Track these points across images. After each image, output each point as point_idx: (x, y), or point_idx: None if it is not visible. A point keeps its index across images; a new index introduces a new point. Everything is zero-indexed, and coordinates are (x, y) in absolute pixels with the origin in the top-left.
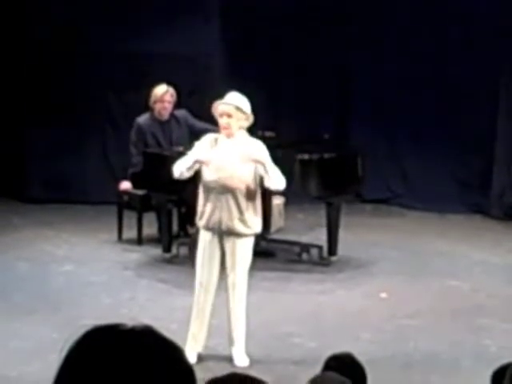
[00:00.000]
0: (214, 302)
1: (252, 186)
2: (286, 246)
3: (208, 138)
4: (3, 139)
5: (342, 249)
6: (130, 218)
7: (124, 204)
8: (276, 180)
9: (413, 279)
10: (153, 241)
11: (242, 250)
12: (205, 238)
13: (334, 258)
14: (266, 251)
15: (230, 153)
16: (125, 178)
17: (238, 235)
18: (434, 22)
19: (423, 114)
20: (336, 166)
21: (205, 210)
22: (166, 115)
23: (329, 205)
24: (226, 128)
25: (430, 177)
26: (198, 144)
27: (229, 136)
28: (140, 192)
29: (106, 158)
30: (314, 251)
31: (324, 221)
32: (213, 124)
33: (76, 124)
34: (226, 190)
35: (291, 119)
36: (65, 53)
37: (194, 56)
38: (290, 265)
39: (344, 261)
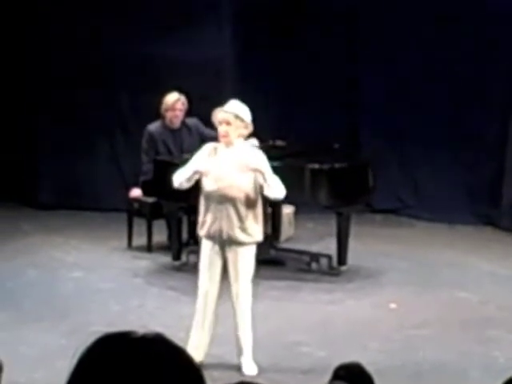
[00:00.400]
0: (216, 311)
1: (252, 194)
2: (296, 255)
3: (207, 148)
4: (14, 145)
5: (351, 258)
6: (139, 226)
7: (134, 211)
8: (275, 189)
9: (422, 290)
10: (162, 248)
11: (244, 259)
12: (206, 248)
13: (343, 268)
14: (275, 260)
15: (229, 162)
16: (135, 185)
17: (240, 244)
18: (446, 29)
19: (434, 124)
20: (346, 176)
21: (205, 219)
22: (177, 123)
23: (339, 214)
24: (224, 136)
25: (440, 187)
26: (197, 153)
27: (228, 144)
28: (150, 200)
29: (116, 165)
30: (324, 261)
31: (334, 230)
32: None
33: (87, 131)
34: (225, 199)
35: (302, 128)
36: (72, 55)
37: (206, 61)
38: (299, 274)
39: (353, 270)
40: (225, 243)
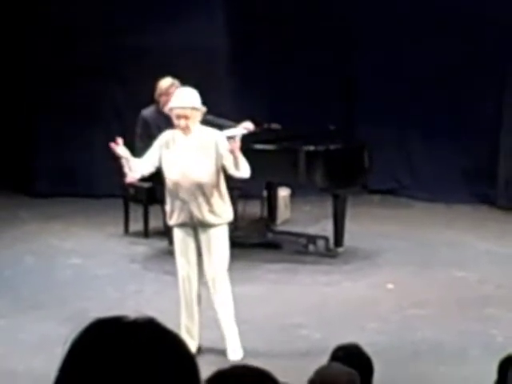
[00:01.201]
0: (199, 293)
1: (216, 175)
2: (293, 238)
3: (166, 136)
4: (9, 134)
5: (348, 240)
6: (136, 211)
7: (130, 197)
8: (243, 168)
9: (419, 270)
10: (159, 234)
11: (217, 241)
12: (178, 235)
13: (340, 250)
14: (272, 243)
15: (190, 147)
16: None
17: (211, 226)
18: (439, 13)
19: (430, 104)
20: (342, 158)
21: (174, 208)
22: None
23: (335, 196)
24: (185, 129)
25: (436, 167)
26: (156, 141)
27: (185, 133)
28: (146, 185)
29: (112, 151)
30: (321, 243)
31: (330, 212)
32: (216, 116)
33: (82, 117)
34: (191, 184)
35: (297, 111)
36: (68, 45)
37: (200, 49)
38: (297, 256)
39: (350, 252)
40: (196, 227)
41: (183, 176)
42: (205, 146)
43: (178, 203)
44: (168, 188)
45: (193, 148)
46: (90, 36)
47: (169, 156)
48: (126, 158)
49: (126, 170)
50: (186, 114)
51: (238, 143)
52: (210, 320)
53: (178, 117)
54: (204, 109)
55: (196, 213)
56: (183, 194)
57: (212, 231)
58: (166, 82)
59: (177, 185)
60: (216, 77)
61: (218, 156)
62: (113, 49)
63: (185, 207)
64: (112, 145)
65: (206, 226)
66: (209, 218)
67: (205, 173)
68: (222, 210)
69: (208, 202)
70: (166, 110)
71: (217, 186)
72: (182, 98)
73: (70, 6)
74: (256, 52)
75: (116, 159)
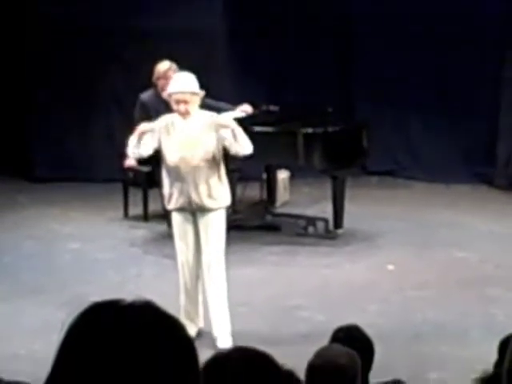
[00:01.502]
0: (199, 277)
1: (216, 159)
2: (292, 220)
3: (164, 120)
4: (8, 119)
5: (347, 222)
6: (135, 195)
7: (129, 181)
8: (245, 144)
9: (420, 251)
10: (159, 217)
11: (215, 225)
12: (177, 220)
13: (340, 231)
14: (271, 225)
15: (189, 131)
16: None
17: (209, 210)
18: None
19: (427, 84)
20: (340, 139)
21: (172, 191)
22: None
23: (334, 178)
24: (185, 114)
25: (435, 148)
26: (154, 124)
27: (184, 118)
28: (145, 169)
29: (110, 135)
30: (320, 224)
31: (329, 194)
32: (214, 99)
33: (80, 102)
34: (190, 168)
35: (295, 92)
36: (67, 31)
37: (198, 32)
38: (296, 238)
39: (350, 233)
40: (194, 211)
41: (182, 160)
42: (204, 130)
43: (176, 187)
44: (167, 172)
45: (192, 132)
46: (89, 21)
47: (168, 140)
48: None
49: (131, 148)
50: (186, 99)
51: (230, 118)
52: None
53: (178, 102)
54: (202, 93)
55: (194, 197)
56: (182, 178)
57: (210, 215)
58: (163, 66)
59: (176, 169)
60: (214, 60)
61: (219, 138)
62: (111, 33)
63: (183, 191)
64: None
65: (204, 210)
66: (207, 202)
67: (204, 157)
68: (220, 195)
69: (207, 186)
70: (165, 95)
71: (216, 169)
72: (180, 83)
73: None
74: (255, 35)
75: (117, 144)
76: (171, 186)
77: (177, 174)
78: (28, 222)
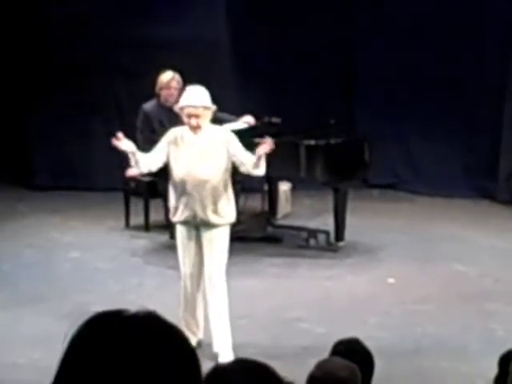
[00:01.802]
0: (202, 290)
1: (224, 175)
2: (293, 232)
3: (173, 133)
4: (9, 126)
5: (349, 234)
6: (136, 205)
7: (131, 191)
8: (263, 167)
9: (420, 264)
10: (160, 227)
11: (218, 241)
12: (181, 233)
13: (341, 244)
14: (273, 237)
15: (199, 146)
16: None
17: (213, 226)
18: (443, 8)
19: (430, 98)
20: (342, 152)
21: (178, 205)
22: (172, 101)
23: (335, 190)
24: (196, 128)
25: (437, 161)
26: (163, 138)
27: (195, 132)
28: (147, 178)
29: (112, 147)
30: (322, 237)
31: (331, 206)
32: (219, 111)
33: (82, 110)
34: (198, 182)
35: (297, 105)
36: (70, 39)
37: (201, 42)
38: (298, 250)
39: (351, 246)
40: (199, 226)
41: (190, 174)
42: (215, 145)
43: (182, 201)
44: (174, 185)
45: (202, 146)
46: (90, 29)
47: (177, 153)
48: (132, 152)
49: (133, 163)
50: (198, 113)
51: (270, 146)
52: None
53: (189, 116)
54: (214, 107)
55: (200, 212)
56: (189, 192)
57: (214, 231)
58: (166, 76)
59: (183, 182)
60: (217, 70)
61: (229, 155)
62: (113, 41)
63: (189, 205)
64: (114, 141)
65: (208, 225)
66: (212, 218)
67: (212, 172)
68: (226, 211)
69: (213, 202)
70: (176, 108)
71: (224, 186)
72: (193, 97)
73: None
74: (257, 46)
75: (119, 153)
76: (177, 199)
77: (183, 188)
78: (28, 231)
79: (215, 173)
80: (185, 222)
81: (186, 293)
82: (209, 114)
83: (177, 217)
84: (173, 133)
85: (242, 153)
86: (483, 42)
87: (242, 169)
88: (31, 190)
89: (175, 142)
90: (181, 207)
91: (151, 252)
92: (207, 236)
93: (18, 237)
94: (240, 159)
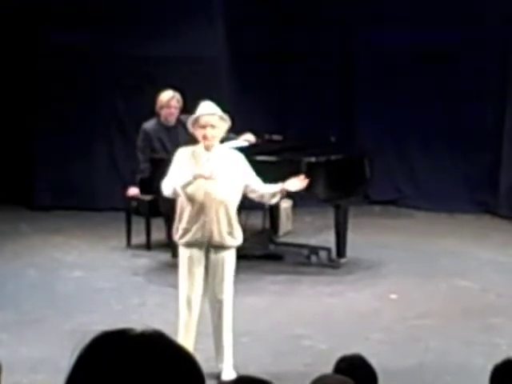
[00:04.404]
0: (200, 313)
1: (237, 197)
2: (295, 249)
3: (186, 152)
4: (11, 147)
5: (350, 250)
6: (138, 224)
7: (132, 210)
8: (278, 196)
9: (422, 280)
10: (162, 246)
11: (229, 263)
12: (186, 255)
13: (343, 260)
14: (274, 255)
15: (215, 163)
16: (133, 184)
17: (226, 248)
18: (443, 21)
19: (430, 113)
20: (343, 168)
21: (191, 225)
22: (172, 121)
23: (336, 207)
24: (210, 139)
25: (438, 177)
26: (175, 160)
27: (208, 148)
28: (148, 197)
29: (113, 163)
30: (323, 253)
31: (332, 223)
32: None
33: (83, 130)
34: (214, 203)
35: (297, 122)
36: (69, 57)
37: (200, 59)
38: (299, 268)
39: (353, 262)
40: (211, 248)
41: (208, 195)
42: (228, 165)
43: (196, 222)
44: (187, 206)
45: (217, 164)
46: (91, 48)
47: (192, 172)
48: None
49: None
50: (213, 123)
51: (301, 185)
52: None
53: (205, 126)
54: (229, 122)
55: (216, 233)
56: (206, 213)
57: (226, 253)
58: (166, 95)
59: (200, 204)
60: (216, 88)
61: (241, 177)
62: (113, 60)
63: (205, 226)
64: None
65: (219, 247)
66: (227, 239)
67: (228, 191)
68: (237, 233)
69: (229, 223)
70: (190, 122)
71: (234, 207)
72: (208, 107)
73: (70, 19)
74: (257, 63)
75: (120, 172)
76: (191, 219)
77: (200, 208)
78: (30, 251)
79: (230, 192)
80: (193, 245)
81: (188, 320)
82: (224, 127)
83: (186, 238)
84: (184, 152)
85: (253, 179)
86: (483, 56)
87: (251, 195)
88: (33, 210)
89: (189, 160)
90: (194, 228)
91: (153, 271)
92: (218, 258)
93: (20, 257)
94: (251, 186)
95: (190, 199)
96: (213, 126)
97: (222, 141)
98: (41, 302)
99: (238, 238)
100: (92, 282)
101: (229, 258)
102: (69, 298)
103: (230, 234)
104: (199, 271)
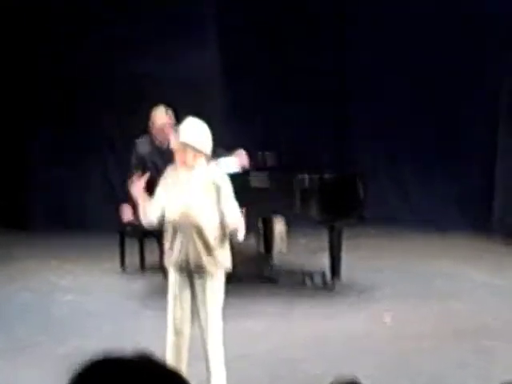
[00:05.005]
0: (190, 336)
1: (218, 219)
2: (289, 272)
3: (170, 172)
4: (4, 170)
5: (345, 272)
6: (131, 245)
7: (126, 232)
8: (233, 216)
9: (416, 302)
10: (156, 268)
11: (213, 288)
12: (174, 278)
13: (337, 283)
14: (269, 278)
15: (191, 185)
16: (126, 201)
17: (208, 272)
18: (434, 39)
19: (423, 133)
20: (336, 188)
21: (172, 248)
22: (166, 144)
23: (331, 229)
24: (182, 163)
25: (431, 199)
26: (161, 182)
27: (189, 169)
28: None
29: (107, 184)
30: (318, 276)
31: (327, 245)
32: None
33: (76, 152)
34: (191, 226)
35: (291, 140)
36: (63, 77)
37: (192, 78)
38: (294, 290)
39: (347, 285)
40: (192, 272)
41: (183, 216)
42: (206, 186)
43: (176, 244)
44: (167, 227)
45: (195, 186)
46: (86, 68)
47: (171, 193)
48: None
49: (141, 213)
50: (183, 148)
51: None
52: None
53: (176, 150)
54: (207, 146)
55: (193, 256)
56: (181, 235)
57: (208, 278)
58: (159, 112)
59: (176, 224)
60: (210, 106)
61: (219, 199)
62: (105, 78)
63: (183, 249)
64: (133, 181)
65: (202, 271)
66: (206, 263)
67: (205, 214)
68: (220, 257)
69: (207, 247)
70: (172, 143)
71: (218, 230)
72: (186, 129)
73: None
74: (250, 81)
75: (113, 196)
76: (172, 241)
77: (176, 230)
78: (24, 275)
79: (207, 215)
80: (178, 267)
81: (176, 344)
82: (198, 151)
83: (170, 261)
84: (169, 172)
85: (227, 207)
86: (475, 75)
87: (226, 219)
88: (27, 233)
89: (170, 181)
90: (175, 251)
91: (147, 294)
92: (200, 283)
93: (13, 280)
94: (224, 217)
95: (168, 220)
96: (183, 151)
97: (215, 156)
98: (34, 327)
99: (221, 263)
100: (86, 306)
101: (212, 283)
102: (63, 322)
103: (210, 258)
104: (185, 295)
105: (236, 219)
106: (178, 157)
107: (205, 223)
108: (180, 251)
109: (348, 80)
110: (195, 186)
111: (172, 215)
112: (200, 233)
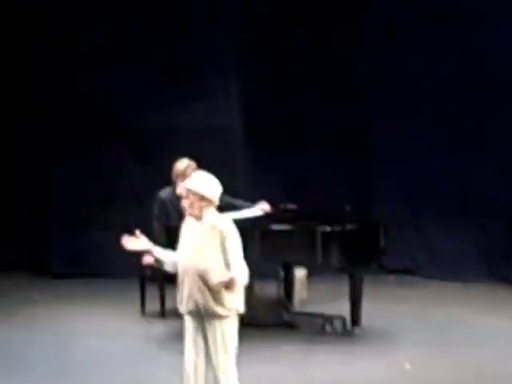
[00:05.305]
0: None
1: (223, 266)
2: (309, 318)
3: (187, 222)
4: (24, 215)
5: (365, 320)
6: (152, 291)
7: (146, 277)
8: (238, 270)
9: (436, 350)
10: (176, 313)
11: (223, 332)
12: (188, 323)
13: (357, 330)
14: (289, 324)
15: (198, 234)
16: (148, 252)
17: (218, 317)
18: (462, 85)
19: (444, 182)
20: (358, 238)
21: (183, 294)
22: None
23: (351, 276)
24: (189, 215)
25: (452, 246)
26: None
27: (196, 219)
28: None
29: (128, 230)
30: (338, 323)
31: (347, 291)
32: (233, 197)
33: (98, 197)
34: (197, 272)
35: (312, 191)
36: (88, 128)
37: (215, 130)
38: (314, 337)
39: (367, 332)
40: (203, 317)
41: (189, 262)
42: (211, 235)
43: (186, 290)
44: (178, 273)
45: (201, 235)
46: (108, 116)
47: (182, 240)
48: (149, 250)
49: (155, 263)
50: (186, 194)
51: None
52: None
53: (184, 198)
54: (213, 198)
55: (201, 302)
56: (190, 281)
57: (218, 323)
58: (182, 164)
59: (183, 271)
60: (231, 157)
61: (223, 249)
62: (128, 130)
63: (192, 295)
64: (125, 240)
65: (212, 316)
66: (214, 307)
67: (209, 263)
68: (229, 302)
69: (213, 292)
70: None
71: (226, 276)
72: (192, 180)
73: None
74: (271, 133)
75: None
76: (182, 288)
77: (186, 276)
78: (43, 318)
79: (211, 264)
80: (189, 312)
81: None
82: (202, 203)
83: (182, 307)
84: (186, 221)
85: (231, 258)
86: (496, 133)
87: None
88: (47, 277)
89: (186, 229)
90: (185, 297)
91: (166, 339)
92: (211, 328)
93: (33, 325)
94: (228, 257)
95: (179, 267)
96: (187, 197)
97: (236, 208)
98: (54, 370)
99: (230, 307)
100: (106, 350)
101: (223, 328)
102: (83, 365)
103: (218, 302)
104: (199, 341)
105: (239, 274)
106: (185, 206)
107: (211, 270)
108: (189, 297)
109: (372, 128)
110: (201, 234)
111: (180, 262)
112: (204, 280)
